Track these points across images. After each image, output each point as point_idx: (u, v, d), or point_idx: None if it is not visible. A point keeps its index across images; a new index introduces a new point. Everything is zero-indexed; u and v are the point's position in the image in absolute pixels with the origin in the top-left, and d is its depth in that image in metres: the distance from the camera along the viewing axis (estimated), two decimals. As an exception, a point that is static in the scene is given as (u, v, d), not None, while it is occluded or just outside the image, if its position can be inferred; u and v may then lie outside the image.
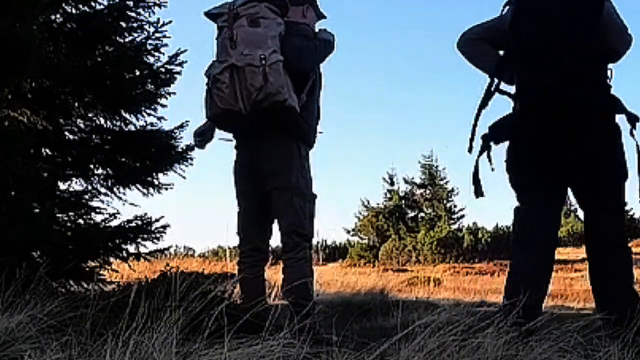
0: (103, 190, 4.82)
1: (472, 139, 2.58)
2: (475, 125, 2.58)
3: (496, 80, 2.61)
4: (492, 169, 2.62)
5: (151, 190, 4.92)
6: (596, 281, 2.60)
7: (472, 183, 2.64)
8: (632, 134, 2.45)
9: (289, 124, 2.85)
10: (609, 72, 2.49)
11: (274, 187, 2.97)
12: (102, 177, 4.82)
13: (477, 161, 2.61)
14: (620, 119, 2.50)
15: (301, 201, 2.97)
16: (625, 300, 2.49)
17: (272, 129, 2.87)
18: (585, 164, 2.46)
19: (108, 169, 4.82)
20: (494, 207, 43.01)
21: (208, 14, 3.00)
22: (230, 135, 3.13)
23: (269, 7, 2.88)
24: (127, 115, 4.83)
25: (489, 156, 2.62)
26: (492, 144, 2.62)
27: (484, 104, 2.60)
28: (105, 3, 4.76)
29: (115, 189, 4.85)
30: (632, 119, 2.43)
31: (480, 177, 2.62)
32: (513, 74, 2.60)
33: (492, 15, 2.74)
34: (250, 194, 3.07)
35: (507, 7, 2.63)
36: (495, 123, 2.62)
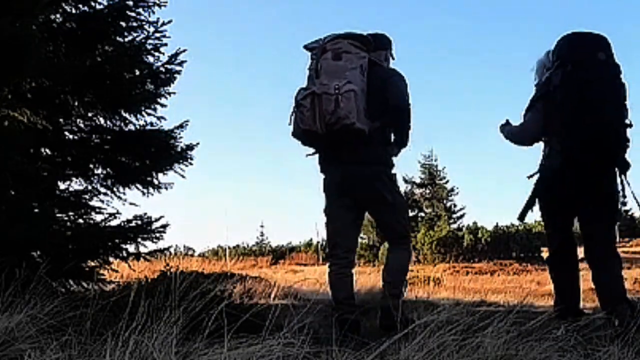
0: (103, 189, 4.82)
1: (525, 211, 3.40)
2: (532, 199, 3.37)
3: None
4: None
5: (151, 189, 4.92)
6: (597, 285, 3.25)
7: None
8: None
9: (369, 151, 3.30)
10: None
11: (373, 206, 3.47)
12: (102, 176, 4.81)
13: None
14: None
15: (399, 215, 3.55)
16: (618, 300, 3.09)
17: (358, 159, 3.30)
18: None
19: (108, 168, 4.82)
20: (494, 206, 43.08)
21: (307, 47, 3.43)
22: (311, 150, 3.52)
23: (352, 44, 3.29)
24: (126, 115, 4.83)
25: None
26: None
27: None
28: (105, 3, 4.76)
29: (115, 189, 4.85)
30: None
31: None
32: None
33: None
34: (343, 208, 3.42)
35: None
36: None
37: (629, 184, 3.20)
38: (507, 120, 3.58)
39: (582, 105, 3.03)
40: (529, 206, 3.37)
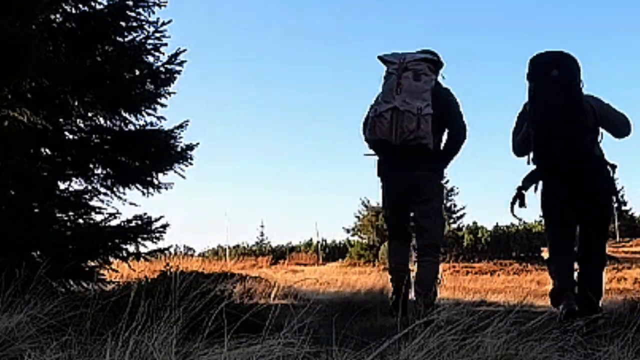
0: (103, 189, 4.82)
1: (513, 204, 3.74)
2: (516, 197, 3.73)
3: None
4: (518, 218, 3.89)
5: (151, 189, 4.91)
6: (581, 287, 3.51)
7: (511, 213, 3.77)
8: None
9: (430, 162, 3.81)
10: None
11: (420, 206, 3.91)
12: (101, 176, 4.81)
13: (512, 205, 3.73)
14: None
15: (437, 222, 3.93)
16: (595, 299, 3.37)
17: (420, 166, 3.78)
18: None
19: (108, 168, 4.81)
20: (494, 206, 43.06)
21: (382, 59, 3.85)
22: (372, 152, 3.98)
23: (429, 67, 3.77)
24: (126, 115, 4.83)
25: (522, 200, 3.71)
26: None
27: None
28: (105, 3, 4.76)
29: (115, 189, 4.85)
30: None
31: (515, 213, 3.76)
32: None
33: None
34: (400, 210, 4.00)
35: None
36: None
37: (610, 180, 3.57)
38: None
39: (538, 120, 3.53)
40: (515, 200, 3.72)
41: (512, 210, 3.74)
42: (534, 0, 44.71)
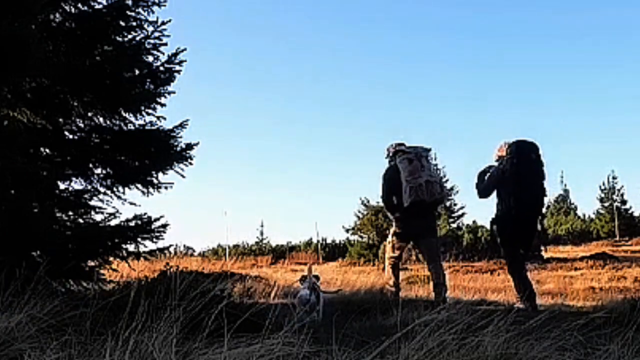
0: (103, 189, 4.81)
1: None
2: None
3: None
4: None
5: (151, 189, 4.91)
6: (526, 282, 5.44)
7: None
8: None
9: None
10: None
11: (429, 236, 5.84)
12: (101, 176, 4.80)
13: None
14: None
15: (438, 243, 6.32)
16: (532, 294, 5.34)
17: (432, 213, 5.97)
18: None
19: (107, 168, 4.81)
20: (493, 206, 42.92)
21: (401, 150, 5.74)
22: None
23: (427, 155, 5.77)
24: (126, 115, 4.83)
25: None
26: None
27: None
28: (105, 2, 4.75)
29: (114, 188, 4.84)
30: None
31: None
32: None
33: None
34: (410, 238, 5.91)
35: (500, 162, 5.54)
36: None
37: (542, 223, 5.86)
38: (485, 170, 5.71)
39: (523, 185, 5.31)
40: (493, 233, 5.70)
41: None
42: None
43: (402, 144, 5.87)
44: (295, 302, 4.08)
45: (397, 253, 5.83)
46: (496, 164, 5.59)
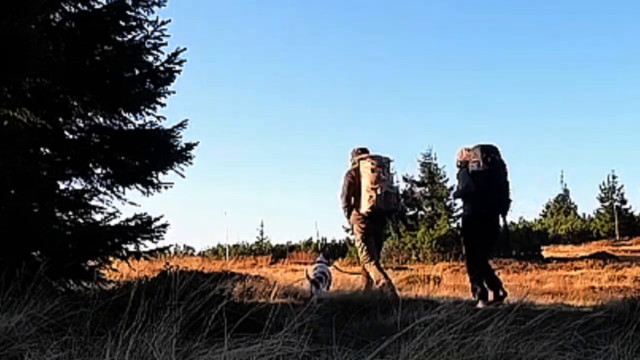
0: (103, 189, 4.80)
1: None
2: None
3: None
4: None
5: (151, 189, 4.90)
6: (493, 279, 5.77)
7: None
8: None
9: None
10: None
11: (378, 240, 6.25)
12: (101, 176, 4.80)
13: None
14: None
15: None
16: (501, 290, 5.63)
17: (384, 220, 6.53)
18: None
19: (107, 168, 4.81)
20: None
21: (369, 155, 5.97)
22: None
23: (389, 166, 6.02)
24: (126, 114, 4.82)
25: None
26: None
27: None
28: (104, 2, 4.74)
29: (114, 188, 4.84)
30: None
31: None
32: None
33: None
34: (374, 237, 6.06)
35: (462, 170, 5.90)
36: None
37: (505, 221, 5.95)
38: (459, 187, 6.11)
39: (489, 186, 5.64)
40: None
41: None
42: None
43: (366, 149, 6.12)
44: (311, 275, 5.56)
45: (375, 257, 5.91)
46: (457, 169, 5.99)
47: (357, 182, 5.86)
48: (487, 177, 5.62)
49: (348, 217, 6.01)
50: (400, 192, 24.74)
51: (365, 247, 5.89)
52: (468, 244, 5.95)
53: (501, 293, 5.56)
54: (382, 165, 5.87)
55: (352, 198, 5.90)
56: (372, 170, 5.83)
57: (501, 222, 5.83)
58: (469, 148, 5.86)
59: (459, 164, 5.97)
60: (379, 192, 5.76)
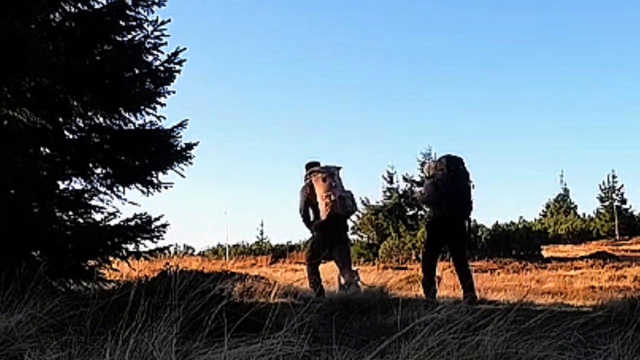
0: (103, 189, 4.81)
1: None
2: None
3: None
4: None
5: (151, 189, 4.90)
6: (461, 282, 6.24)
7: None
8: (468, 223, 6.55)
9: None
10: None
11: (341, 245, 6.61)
12: (101, 176, 4.80)
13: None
14: None
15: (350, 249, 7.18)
16: (472, 291, 6.05)
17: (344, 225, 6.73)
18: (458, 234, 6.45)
19: (107, 167, 4.81)
20: (493, 205, 43.05)
21: (319, 169, 6.53)
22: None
23: (338, 173, 6.59)
24: (126, 114, 4.82)
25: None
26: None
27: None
28: (104, 2, 4.74)
29: (114, 188, 4.84)
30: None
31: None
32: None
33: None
34: (337, 242, 6.53)
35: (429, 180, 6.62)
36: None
37: (469, 226, 6.53)
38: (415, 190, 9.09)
39: (452, 192, 6.26)
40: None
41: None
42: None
43: (317, 163, 6.71)
44: None
45: (316, 258, 6.50)
46: (428, 180, 6.66)
47: (312, 195, 6.40)
48: (450, 184, 6.30)
49: (309, 228, 6.58)
50: (400, 192, 24.84)
51: (310, 249, 6.64)
52: (426, 244, 6.73)
53: (469, 294, 5.92)
54: (331, 174, 6.48)
55: (311, 210, 6.47)
56: (324, 180, 6.43)
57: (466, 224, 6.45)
58: (436, 160, 6.70)
59: (427, 174, 6.72)
60: (333, 197, 6.34)
